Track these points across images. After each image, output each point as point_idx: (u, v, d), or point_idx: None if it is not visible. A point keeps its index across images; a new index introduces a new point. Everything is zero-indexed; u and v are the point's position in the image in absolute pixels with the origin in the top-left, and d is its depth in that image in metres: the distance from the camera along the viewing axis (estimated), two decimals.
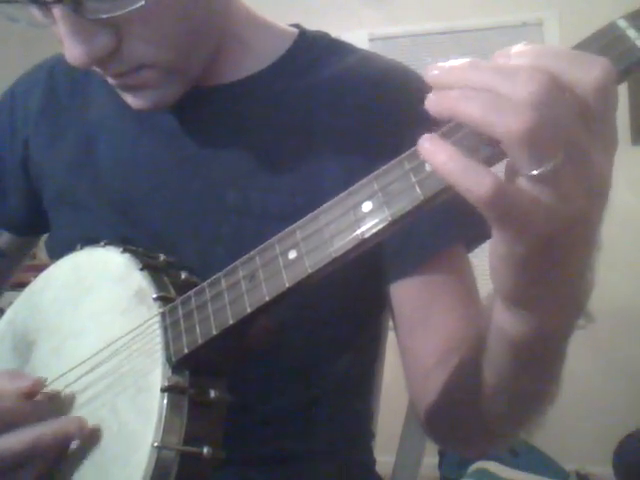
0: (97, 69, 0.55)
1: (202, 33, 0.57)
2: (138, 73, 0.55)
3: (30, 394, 0.52)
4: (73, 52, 0.51)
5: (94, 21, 0.50)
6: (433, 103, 0.34)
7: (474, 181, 0.32)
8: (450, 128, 0.35)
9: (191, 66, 0.59)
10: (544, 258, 0.35)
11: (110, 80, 0.57)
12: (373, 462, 0.76)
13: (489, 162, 0.34)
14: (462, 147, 0.34)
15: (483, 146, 0.34)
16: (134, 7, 0.48)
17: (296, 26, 0.71)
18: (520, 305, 0.39)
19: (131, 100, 0.59)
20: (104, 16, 0.49)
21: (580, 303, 0.39)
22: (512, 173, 0.33)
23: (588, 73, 0.31)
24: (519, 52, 0.33)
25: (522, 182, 0.32)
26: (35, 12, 0.53)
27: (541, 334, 0.40)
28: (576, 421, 2.37)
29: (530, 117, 0.30)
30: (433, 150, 0.33)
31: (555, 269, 0.36)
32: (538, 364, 0.44)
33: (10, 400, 0.51)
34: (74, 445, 0.51)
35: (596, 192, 0.33)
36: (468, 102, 0.32)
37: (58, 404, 0.55)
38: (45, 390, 0.56)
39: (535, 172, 0.31)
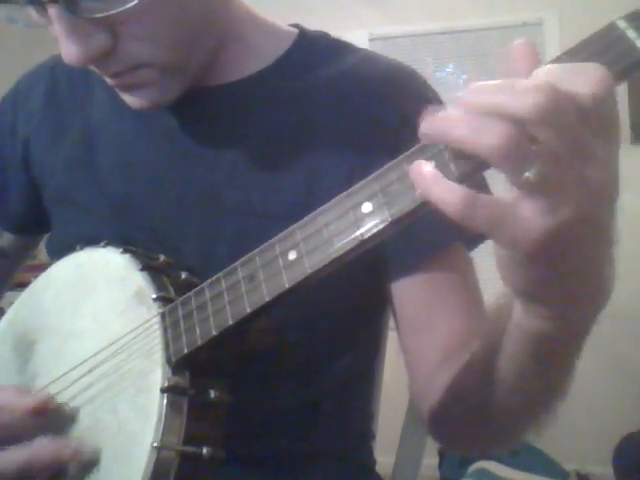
0: (94, 69, 0.55)
1: (200, 32, 0.57)
2: (135, 72, 0.55)
3: (37, 412, 0.51)
4: (69, 51, 0.51)
5: (90, 20, 0.50)
6: (426, 132, 0.35)
7: (445, 195, 0.33)
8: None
9: (189, 65, 0.58)
10: (548, 258, 0.35)
11: (108, 80, 0.57)
12: (373, 462, 0.76)
13: (469, 175, 0.35)
14: (439, 161, 0.35)
15: (459, 160, 0.35)
16: (128, 6, 0.48)
17: (296, 26, 0.71)
18: (534, 302, 0.39)
19: (129, 99, 0.59)
20: (99, 15, 0.49)
21: (599, 297, 0.39)
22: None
23: (585, 81, 0.31)
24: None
25: (514, 190, 0.33)
26: (32, 12, 0.53)
27: (559, 329, 0.40)
28: (576, 421, 2.36)
29: (508, 134, 0.31)
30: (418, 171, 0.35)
31: (562, 267, 0.36)
32: (557, 359, 0.44)
33: (16, 417, 0.51)
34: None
35: (598, 191, 0.33)
36: (455, 126, 0.33)
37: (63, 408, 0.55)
38: (43, 392, 0.56)
39: (523, 178, 0.31)
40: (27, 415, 0.51)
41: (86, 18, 0.49)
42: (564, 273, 0.36)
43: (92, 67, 0.55)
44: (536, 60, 0.34)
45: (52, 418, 0.53)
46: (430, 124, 0.34)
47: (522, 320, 0.41)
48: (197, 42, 0.58)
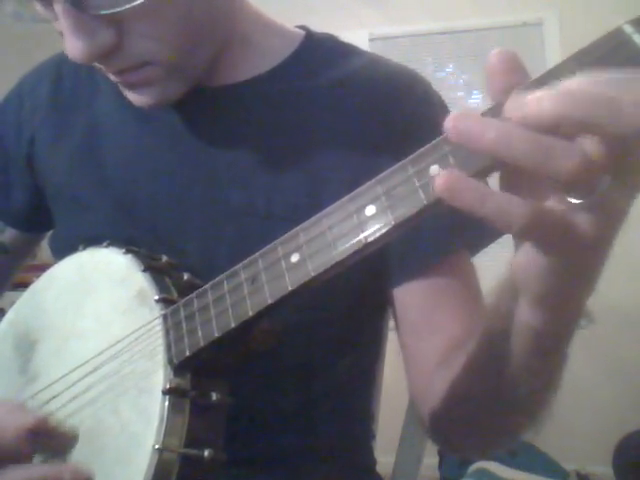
0: (99, 66, 0.55)
1: (205, 31, 0.57)
2: (140, 70, 0.55)
3: (33, 433, 0.51)
4: (74, 48, 0.51)
5: (96, 17, 0.49)
6: (460, 132, 0.31)
7: (509, 213, 0.31)
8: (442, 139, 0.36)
9: (194, 64, 0.58)
10: (573, 269, 0.35)
11: (112, 77, 0.57)
12: (373, 462, 0.76)
13: (484, 172, 0.34)
14: (444, 165, 0.34)
15: (465, 164, 0.34)
16: (135, 3, 0.48)
17: (302, 27, 0.71)
18: (544, 305, 0.39)
19: (133, 97, 0.59)
20: (105, 12, 0.49)
21: (592, 291, 0.40)
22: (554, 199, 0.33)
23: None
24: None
25: (564, 209, 0.32)
26: (38, 7, 0.52)
27: (562, 324, 0.41)
28: (576, 421, 2.37)
29: (580, 161, 0.29)
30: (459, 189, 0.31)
31: (583, 276, 0.37)
32: (552, 352, 0.44)
33: (11, 438, 0.50)
34: (76, 448, 0.51)
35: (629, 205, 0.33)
36: (514, 146, 0.30)
37: (58, 405, 0.55)
38: (44, 392, 0.56)
39: (578, 201, 0.31)
40: (24, 434, 0.50)
41: (92, 14, 0.49)
42: (586, 279, 0.37)
43: (96, 64, 0.55)
44: (517, 74, 0.33)
45: (51, 436, 0.53)
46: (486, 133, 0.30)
47: (530, 319, 0.41)
48: (202, 41, 0.58)
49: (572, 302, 0.39)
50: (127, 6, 0.48)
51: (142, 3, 0.48)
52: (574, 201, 0.31)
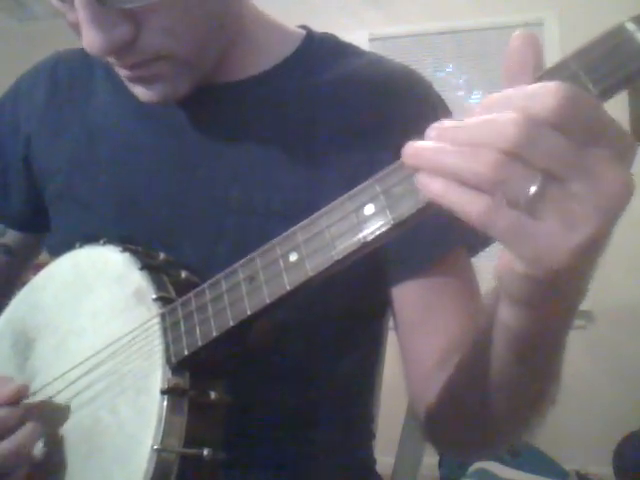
0: (111, 60, 0.55)
1: (216, 28, 0.58)
2: (152, 65, 0.55)
3: (14, 399, 0.52)
4: (92, 40, 0.50)
5: (115, 10, 0.49)
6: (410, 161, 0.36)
7: (466, 204, 0.33)
8: None
9: (205, 60, 0.59)
10: (566, 275, 0.34)
11: (122, 72, 0.57)
12: (373, 462, 0.76)
13: None
14: None
15: None
16: None
17: (304, 27, 0.71)
18: (526, 306, 0.39)
19: (140, 91, 0.58)
20: (128, 6, 0.49)
21: (580, 300, 0.39)
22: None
23: (544, 99, 0.31)
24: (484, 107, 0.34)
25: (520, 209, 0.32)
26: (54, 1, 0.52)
27: (543, 328, 0.40)
28: (576, 421, 2.37)
29: (495, 158, 0.31)
30: (427, 182, 0.35)
31: (574, 281, 0.36)
32: (539, 359, 0.44)
33: None
34: (74, 447, 0.51)
35: (613, 206, 0.32)
36: (441, 156, 0.34)
37: (58, 405, 0.55)
38: (43, 391, 0.56)
39: (521, 199, 0.31)
40: (3, 405, 0.51)
41: (110, 8, 0.49)
42: (571, 285, 0.36)
43: (110, 58, 0.54)
44: (536, 59, 0.34)
45: (43, 413, 0.53)
46: (415, 151, 0.35)
47: (508, 319, 0.41)
48: (214, 38, 0.58)
49: (550, 308, 0.38)
50: (143, 2, 0.49)
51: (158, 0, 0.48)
52: (517, 200, 0.31)
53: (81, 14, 0.50)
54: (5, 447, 0.50)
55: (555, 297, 0.37)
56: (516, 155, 0.31)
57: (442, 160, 0.34)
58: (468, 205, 0.33)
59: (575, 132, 0.31)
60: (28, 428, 0.51)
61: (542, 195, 0.31)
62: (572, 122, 0.31)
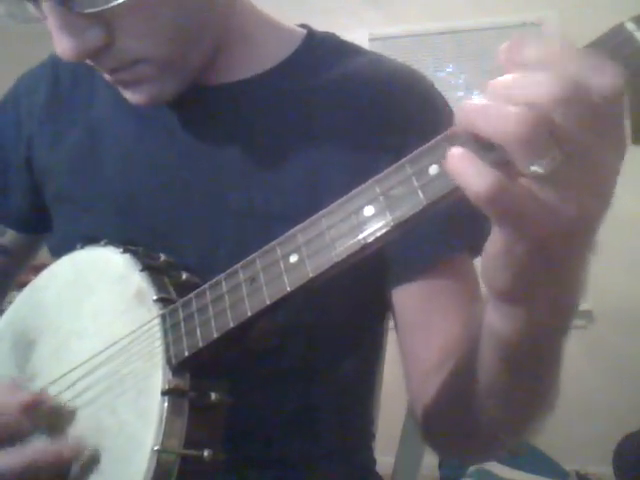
0: (92, 64, 0.55)
1: (198, 29, 0.57)
2: (133, 68, 0.55)
3: (31, 407, 0.51)
4: (62, 46, 0.50)
5: (84, 15, 0.49)
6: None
7: (476, 178, 0.32)
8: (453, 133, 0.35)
9: (188, 61, 0.58)
10: (542, 258, 0.35)
11: (106, 76, 0.57)
12: (373, 463, 0.76)
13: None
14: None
15: (484, 151, 0.34)
16: (115, 3, 0.48)
17: (303, 26, 0.70)
18: (511, 303, 0.39)
19: (128, 95, 0.58)
20: (91, 10, 0.49)
21: (572, 303, 0.39)
22: (514, 172, 0.33)
23: (602, 79, 0.31)
24: (539, 55, 0.33)
25: (523, 181, 0.33)
26: (30, 7, 0.52)
27: (531, 333, 0.40)
28: (576, 421, 2.37)
29: (524, 118, 0.31)
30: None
31: (551, 269, 0.36)
32: (530, 366, 0.44)
33: (11, 414, 0.51)
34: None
35: (602, 194, 0.33)
36: (479, 115, 0.33)
37: (65, 409, 0.55)
38: (43, 392, 0.56)
39: (533, 170, 0.31)
40: (20, 412, 0.51)
41: (78, 13, 0.49)
42: (549, 275, 0.36)
43: (89, 62, 0.54)
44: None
45: (49, 417, 0.53)
46: (458, 115, 0.34)
47: (495, 322, 0.41)
48: (195, 38, 0.57)
49: (536, 303, 0.38)
50: (112, 4, 0.48)
51: (124, 2, 0.48)
52: (533, 168, 0.31)
53: (51, 21, 0.50)
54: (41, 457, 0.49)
55: (540, 285, 0.37)
56: (547, 118, 0.31)
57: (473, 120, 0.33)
58: (479, 177, 0.32)
59: (603, 117, 0.32)
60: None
61: (554, 171, 0.31)
62: (610, 107, 0.32)
